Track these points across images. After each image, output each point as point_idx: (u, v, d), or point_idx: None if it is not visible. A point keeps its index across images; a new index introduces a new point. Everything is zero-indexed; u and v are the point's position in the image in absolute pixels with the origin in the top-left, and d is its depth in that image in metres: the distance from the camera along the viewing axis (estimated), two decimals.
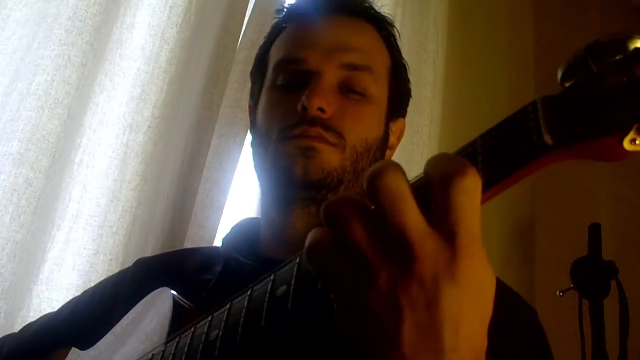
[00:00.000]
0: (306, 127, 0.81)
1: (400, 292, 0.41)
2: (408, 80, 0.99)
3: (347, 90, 0.85)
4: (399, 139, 0.97)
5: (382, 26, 0.95)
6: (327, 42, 0.87)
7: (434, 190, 0.41)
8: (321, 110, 0.81)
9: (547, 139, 0.41)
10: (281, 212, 0.86)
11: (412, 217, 0.41)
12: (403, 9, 1.89)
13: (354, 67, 0.86)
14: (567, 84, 0.44)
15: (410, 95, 1.00)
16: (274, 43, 0.93)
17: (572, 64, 0.44)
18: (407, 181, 0.42)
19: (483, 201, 0.43)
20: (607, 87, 0.41)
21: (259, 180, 0.89)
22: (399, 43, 0.98)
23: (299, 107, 0.82)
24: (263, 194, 0.91)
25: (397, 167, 0.42)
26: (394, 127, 0.94)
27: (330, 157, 0.81)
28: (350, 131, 0.83)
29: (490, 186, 0.43)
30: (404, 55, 0.99)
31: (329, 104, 0.82)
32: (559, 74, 0.44)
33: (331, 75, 0.84)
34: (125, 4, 1.37)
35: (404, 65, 0.98)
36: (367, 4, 0.95)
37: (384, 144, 0.90)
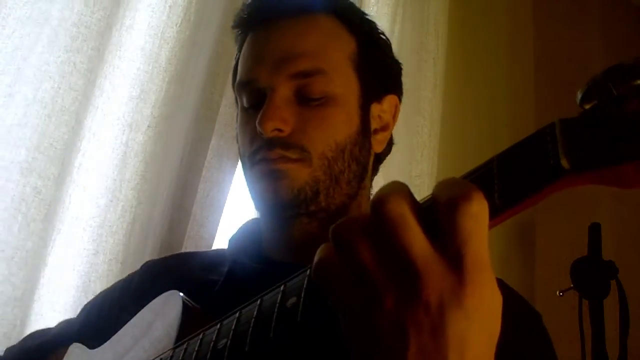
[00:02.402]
0: (266, 151, 0.80)
1: (406, 317, 0.41)
2: (389, 56, 0.94)
3: (305, 98, 0.82)
4: (394, 116, 0.92)
5: (340, 11, 0.89)
6: (274, 55, 0.83)
7: (440, 214, 0.41)
8: (279, 129, 0.79)
9: (564, 163, 0.40)
10: (275, 224, 0.86)
11: (417, 243, 0.41)
12: (403, 9, 1.88)
13: (304, 75, 0.81)
14: (586, 106, 0.43)
15: (398, 68, 0.95)
16: (239, 60, 0.91)
17: (592, 86, 0.42)
18: (413, 204, 0.42)
19: (497, 223, 0.42)
20: (628, 112, 0.40)
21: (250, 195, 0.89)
22: (369, 18, 0.93)
23: (258, 132, 0.81)
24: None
25: (402, 192, 0.42)
26: (384, 106, 0.90)
27: (298, 174, 0.79)
28: (315, 141, 0.80)
29: (504, 209, 0.42)
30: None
31: (285, 120, 0.80)
32: (579, 96, 0.43)
33: (284, 89, 0.81)
34: (125, 4, 1.37)
35: (379, 42, 0.92)
36: None
37: (361, 137, 0.86)
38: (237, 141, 0.90)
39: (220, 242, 1.39)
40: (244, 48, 0.89)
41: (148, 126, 1.34)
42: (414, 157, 1.74)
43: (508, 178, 0.42)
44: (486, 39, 2.02)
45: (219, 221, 1.40)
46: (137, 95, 1.34)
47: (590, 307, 1.39)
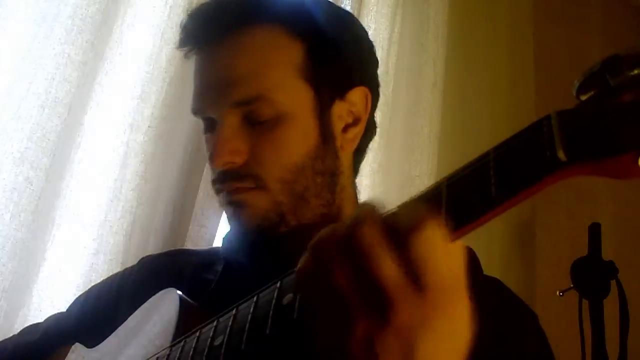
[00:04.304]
0: (221, 184, 0.78)
1: (376, 340, 0.42)
2: (349, 49, 0.84)
3: (255, 123, 0.77)
4: (367, 107, 0.84)
5: (283, 17, 0.81)
6: (213, 83, 0.79)
7: (400, 245, 0.43)
8: (232, 162, 0.76)
9: (561, 154, 0.40)
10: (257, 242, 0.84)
11: (388, 268, 0.42)
12: (403, 9, 1.88)
13: (245, 103, 0.76)
14: (582, 97, 0.43)
15: (363, 58, 0.87)
16: None
17: (588, 77, 0.43)
18: (387, 229, 0.43)
19: (495, 215, 0.43)
20: (624, 103, 0.40)
21: None
22: (323, 14, 0.84)
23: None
24: None
25: (375, 216, 0.44)
26: (351, 100, 0.83)
27: (257, 202, 0.76)
28: (269, 167, 0.76)
29: (501, 201, 0.42)
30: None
31: (236, 151, 0.76)
32: (575, 86, 0.43)
33: (231, 117, 0.77)
34: (126, 4, 1.38)
35: (333, 38, 0.82)
36: (250, 6, 0.81)
37: (322, 148, 0.80)
38: None
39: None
40: (193, 69, 0.85)
41: (149, 126, 1.34)
42: (414, 157, 1.75)
43: (505, 170, 0.43)
44: (486, 39, 2.02)
45: (219, 222, 1.40)
46: (138, 95, 1.34)
47: (590, 307, 1.39)
